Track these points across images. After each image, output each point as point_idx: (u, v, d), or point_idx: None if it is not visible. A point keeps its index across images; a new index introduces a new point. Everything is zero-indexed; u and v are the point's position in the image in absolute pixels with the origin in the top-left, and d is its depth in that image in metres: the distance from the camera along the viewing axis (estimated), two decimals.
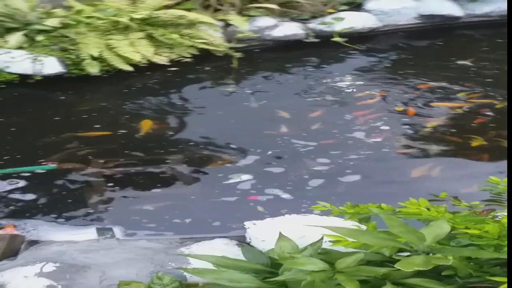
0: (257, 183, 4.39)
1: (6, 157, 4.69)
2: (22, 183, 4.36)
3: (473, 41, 7.03)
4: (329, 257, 2.81)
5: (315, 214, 3.63)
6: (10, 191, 4.27)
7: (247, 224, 3.49)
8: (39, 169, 4.50)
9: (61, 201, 4.23)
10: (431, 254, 2.55)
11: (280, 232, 3.08)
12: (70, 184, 4.41)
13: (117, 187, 4.38)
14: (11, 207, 4.12)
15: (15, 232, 3.76)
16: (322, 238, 2.98)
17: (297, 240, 3.07)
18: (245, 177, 4.45)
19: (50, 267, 3.25)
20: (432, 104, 5.42)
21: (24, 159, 4.65)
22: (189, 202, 4.23)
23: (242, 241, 3.38)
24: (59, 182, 4.42)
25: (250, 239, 3.38)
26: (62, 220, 4.00)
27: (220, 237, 3.52)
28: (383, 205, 3.06)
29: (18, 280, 3.17)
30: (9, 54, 5.97)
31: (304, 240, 3.03)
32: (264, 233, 3.37)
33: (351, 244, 2.78)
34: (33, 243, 3.61)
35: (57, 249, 3.51)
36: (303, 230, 3.14)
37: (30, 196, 4.26)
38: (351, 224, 3.09)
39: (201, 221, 4.00)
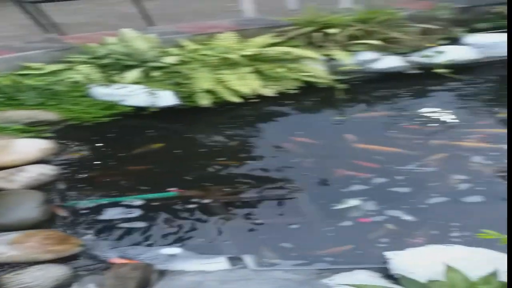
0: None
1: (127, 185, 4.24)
2: (138, 212, 3.87)
3: None
4: None
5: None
6: (126, 220, 3.79)
7: (388, 254, 3.06)
8: (159, 197, 4.00)
9: (181, 229, 3.73)
10: None
11: (445, 263, 2.69)
12: (189, 211, 3.90)
13: (236, 215, 3.88)
14: (128, 236, 3.64)
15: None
16: (496, 270, 2.66)
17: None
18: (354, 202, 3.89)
19: None
20: None
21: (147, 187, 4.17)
22: (308, 230, 3.67)
23: (384, 273, 2.95)
24: (177, 209, 3.92)
25: (395, 270, 2.93)
26: (186, 249, 3.47)
27: (359, 268, 3.04)
28: None
29: None
30: (126, 88, 5.67)
31: None
32: (410, 265, 2.94)
33: None
34: (163, 273, 3.17)
35: (192, 279, 3.08)
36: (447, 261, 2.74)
37: (145, 224, 3.76)
38: None
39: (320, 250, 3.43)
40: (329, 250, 3.36)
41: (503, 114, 5.17)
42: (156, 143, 4.93)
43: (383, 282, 2.89)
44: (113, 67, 6.01)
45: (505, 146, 4.53)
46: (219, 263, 3.25)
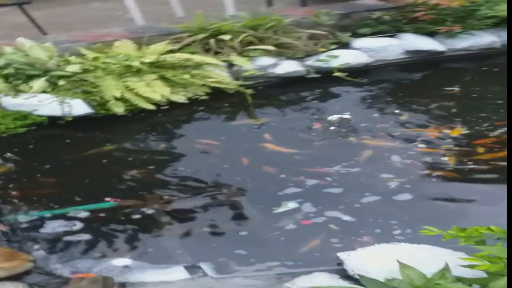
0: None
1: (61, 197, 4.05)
2: (80, 224, 3.70)
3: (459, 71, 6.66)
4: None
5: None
6: (70, 232, 3.62)
7: (341, 255, 3.04)
8: (98, 207, 3.85)
9: (128, 240, 3.60)
10: None
11: (398, 261, 2.70)
12: (133, 221, 3.77)
13: (179, 222, 3.78)
14: (76, 248, 3.49)
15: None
16: (447, 265, 2.69)
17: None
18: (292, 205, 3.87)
19: None
20: None
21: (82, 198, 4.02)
22: (257, 235, 3.63)
23: (342, 274, 2.93)
24: (120, 219, 3.79)
25: (352, 271, 2.91)
26: (137, 259, 3.33)
27: (317, 271, 3.00)
28: (493, 227, 2.69)
29: None
30: (36, 98, 5.44)
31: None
32: (364, 264, 2.94)
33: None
34: (124, 285, 3.01)
35: None
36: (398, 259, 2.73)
37: (90, 236, 3.60)
38: None
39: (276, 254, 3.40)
40: (286, 254, 3.31)
41: (405, 117, 5.30)
42: (80, 152, 4.75)
43: (343, 282, 2.87)
44: (16, 77, 5.76)
45: (419, 144, 4.65)
46: (179, 273, 3.13)
